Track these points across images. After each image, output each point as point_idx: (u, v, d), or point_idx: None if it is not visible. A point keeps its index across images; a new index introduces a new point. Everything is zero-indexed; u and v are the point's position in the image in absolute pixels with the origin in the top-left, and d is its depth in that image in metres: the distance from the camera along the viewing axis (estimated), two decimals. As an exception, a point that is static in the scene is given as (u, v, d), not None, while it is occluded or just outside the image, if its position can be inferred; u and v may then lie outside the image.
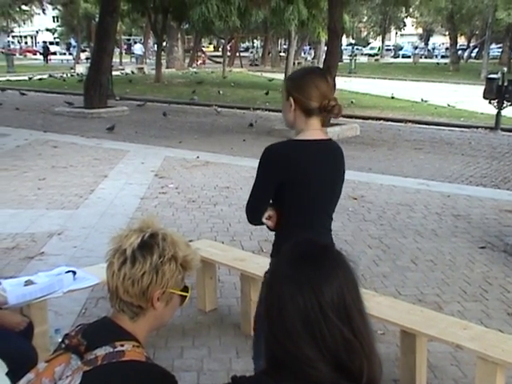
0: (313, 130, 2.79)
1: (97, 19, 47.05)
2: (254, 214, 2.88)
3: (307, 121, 2.79)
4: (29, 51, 64.42)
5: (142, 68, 40.96)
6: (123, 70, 38.58)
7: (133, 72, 38.39)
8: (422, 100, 22.50)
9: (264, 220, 2.86)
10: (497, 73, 16.76)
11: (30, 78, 33.13)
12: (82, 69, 37.69)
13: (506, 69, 19.24)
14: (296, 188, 2.76)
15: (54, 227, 7.05)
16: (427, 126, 16.85)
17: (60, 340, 3.15)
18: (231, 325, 4.71)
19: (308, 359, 1.33)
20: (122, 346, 1.71)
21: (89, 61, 44.28)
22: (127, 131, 14.66)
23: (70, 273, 3.92)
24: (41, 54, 54.85)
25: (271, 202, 2.85)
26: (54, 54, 60.61)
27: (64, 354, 1.76)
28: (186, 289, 1.87)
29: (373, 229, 7.30)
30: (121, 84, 26.29)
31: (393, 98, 23.58)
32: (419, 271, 5.91)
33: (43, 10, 51.94)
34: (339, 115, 2.82)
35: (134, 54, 43.40)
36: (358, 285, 1.43)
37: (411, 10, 58.82)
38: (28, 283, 3.79)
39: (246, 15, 19.69)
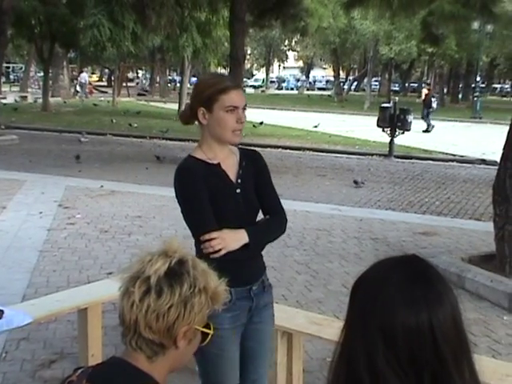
0: None
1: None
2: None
3: None
4: None
5: (26, 97, 39.42)
6: (4, 98, 36.84)
7: (16, 101, 36.82)
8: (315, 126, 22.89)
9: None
10: (389, 102, 17.29)
11: None
12: None
13: (397, 99, 19.89)
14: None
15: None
16: (325, 154, 17.09)
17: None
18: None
19: None
20: None
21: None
22: (20, 160, 13.80)
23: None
24: None
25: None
26: None
27: None
28: (208, 325, 1.58)
29: (297, 254, 7.17)
30: (5, 113, 24.97)
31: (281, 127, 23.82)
32: (353, 296, 5.79)
33: None
34: None
35: (80, 82, 41.92)
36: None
37: (294, 43, 60.68)
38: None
39: (140, 41, 19.18)
